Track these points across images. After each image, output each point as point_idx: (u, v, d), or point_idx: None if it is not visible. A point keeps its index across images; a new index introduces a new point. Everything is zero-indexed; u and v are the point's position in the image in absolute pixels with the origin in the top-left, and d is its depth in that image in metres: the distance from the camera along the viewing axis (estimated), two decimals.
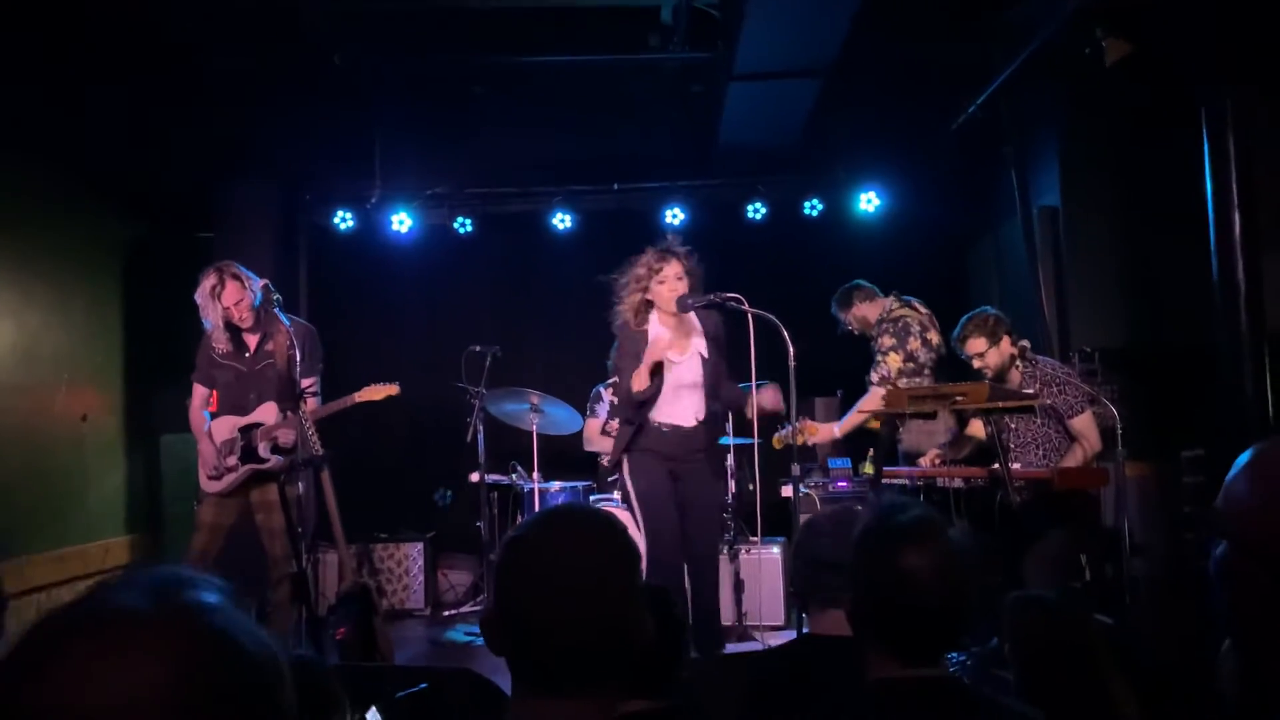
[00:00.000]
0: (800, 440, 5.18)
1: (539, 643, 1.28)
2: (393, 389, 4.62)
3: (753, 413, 4.29)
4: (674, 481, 4.36)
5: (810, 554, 2.30)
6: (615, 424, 5.25)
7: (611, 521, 1.39)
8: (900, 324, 5.28)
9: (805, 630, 2.46)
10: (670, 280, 4.27)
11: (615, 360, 4.44)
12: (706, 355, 4.37)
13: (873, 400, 5.09)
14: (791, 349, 4.00)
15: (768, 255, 7.30)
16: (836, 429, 5.31)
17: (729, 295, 4.20)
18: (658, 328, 4.35)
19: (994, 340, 4.52)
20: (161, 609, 0.79)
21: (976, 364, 4.56)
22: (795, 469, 4.02)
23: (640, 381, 4.20)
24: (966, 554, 1.62)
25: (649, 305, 4.35)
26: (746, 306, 4.16)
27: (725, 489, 4.42)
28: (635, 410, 4.32)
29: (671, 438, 4.33)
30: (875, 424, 5.32)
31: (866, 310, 5.45)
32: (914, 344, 5.22)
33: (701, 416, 4.37)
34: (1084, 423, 4.45)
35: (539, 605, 1.28)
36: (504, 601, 1.31)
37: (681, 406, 4.35)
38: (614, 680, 1.32)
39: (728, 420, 5.20)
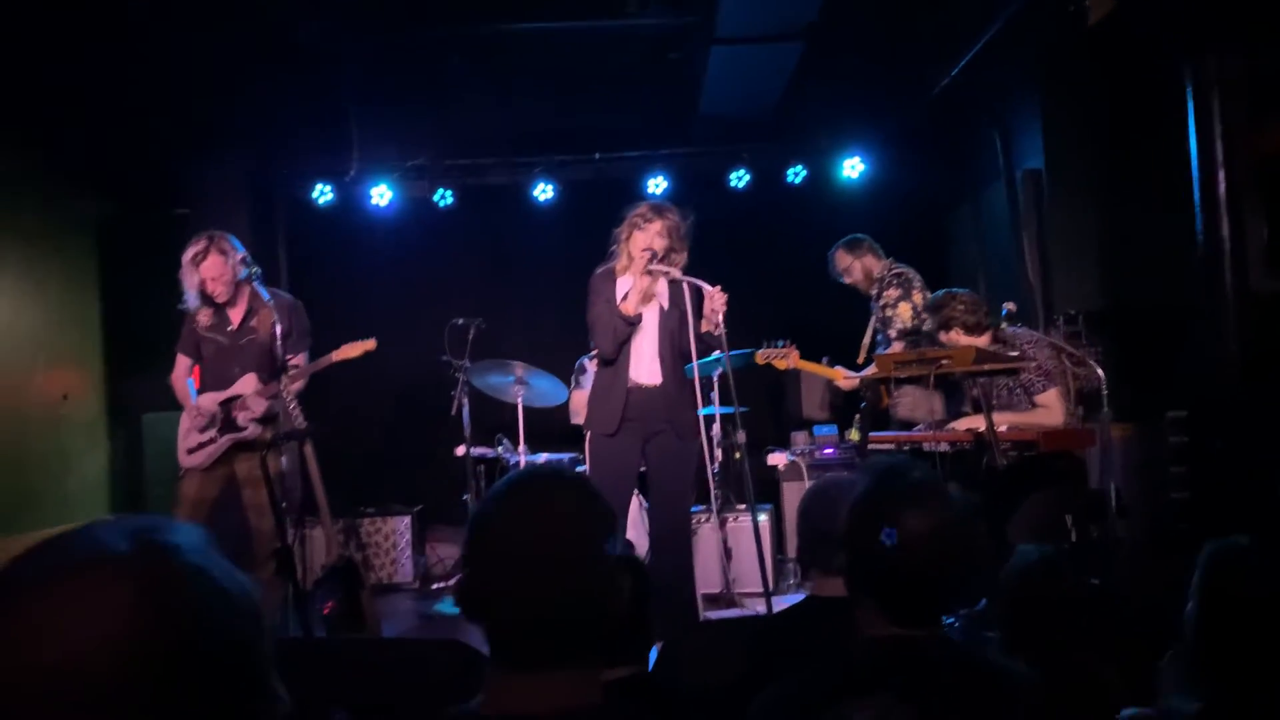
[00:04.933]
0: (783, 366, 5.23)
1: (512, 614, 1.24)
2: (369, 344, 4.63)
3: (708, 324, 4.22)
4: (641, 453, 4.36)
5: (816, 520, 2.29)
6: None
7: (582, 485, 1.35)
8: (903, 277, 5.31)
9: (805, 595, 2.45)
10: (649, 233, 4.29)
11: (589, 310, 4.40)
12: (666, 306, 4.37)
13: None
14: (716, 298, 4.06)
15: (751, 223, 7.28)
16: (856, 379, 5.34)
17: (660, 266, 4.27)
18: (627, 281, 4.37)
19: (976, 334, 4.48)
20: (139, 550, 0.78)
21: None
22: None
23: (632, 304, 4.24)
24: (967, 517, 1.61)
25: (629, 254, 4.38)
26: (679, 275, 4.25)
27: (695, 460, 4.37)
28: (614, 350, 4.31)
29: (637, 397, 4.32)
30: (842, 380, 5.33)
31: (872, 264, 5.44)
32: (917, 297, 5.22)
33: (662, 377, 4.34)
34: (1049, 399, 4.43)
35: (509, 575, 1.24)
36: (474, 572, 1.28)
37: (644, 361, 4.35)
38: (591, 651, 1.29)
39: (703, 387, 5.17)
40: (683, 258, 4.36)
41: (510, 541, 1.26)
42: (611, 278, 4.42)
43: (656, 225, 4.31)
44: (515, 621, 1.24)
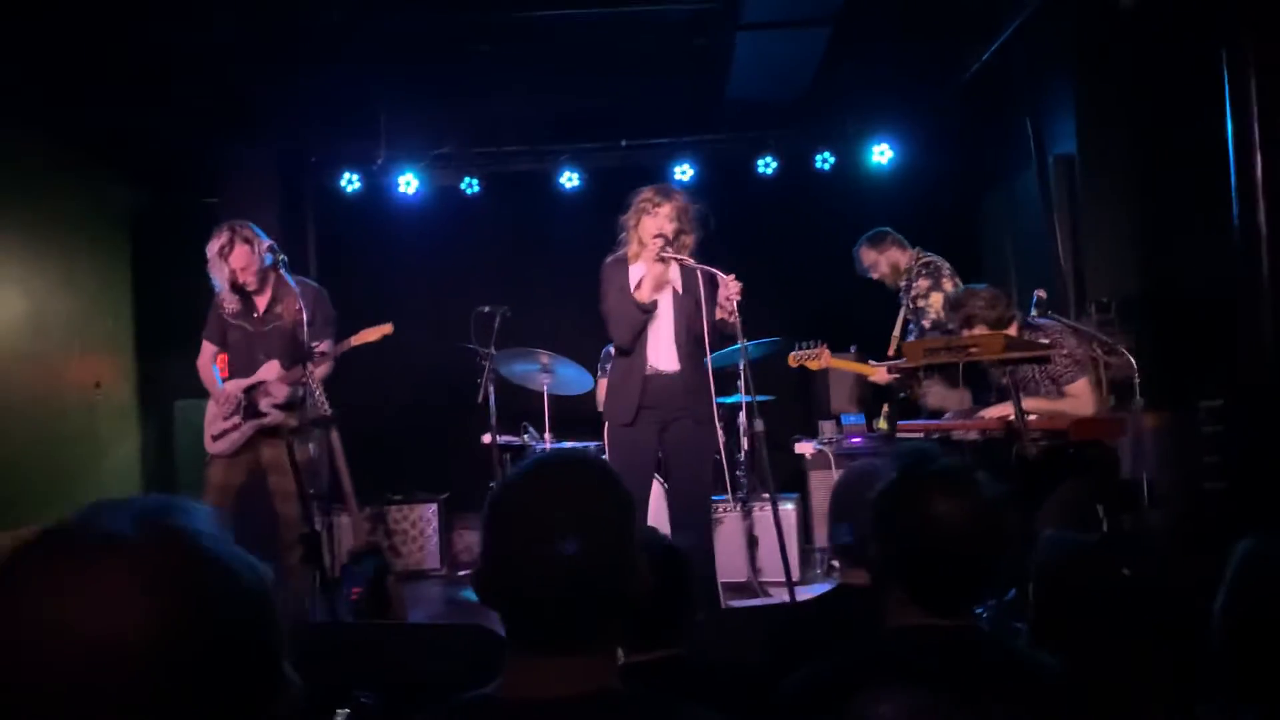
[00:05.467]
0: (815, 367, 5.20)
1: (530, 597, 1.23)
2: (386, 328, 4.65)
3: (722, 311, 4.19)
4: (659, 440, 4.35)
5: (848, 510, 2.26)
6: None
7: (602, 468, 1.34)
8: (931, 266, 5.25)
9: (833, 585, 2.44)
10: (659, 217, 4.25)
11: (603, 300, 4.37)
12: (680, 292, 4.35)
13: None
14: (730, 285, 4.04)
15: (779, 210, 7.24)
16: (885, 370, 5.30)
17: (672, 254, 4.23)
18: (640, 269, 4.33)
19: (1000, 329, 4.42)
20: (145, 534, 0.77)
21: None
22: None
23: (646, 292, 4.21)
24: (997, 503, 1.58)
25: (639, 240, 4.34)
26: (691, 263, 4.22)
27: (713, 445, 4.35)
28: (631, 339, 4.28)
29: (654, 385, 4.30)
30: (875, 374, 5.28)
31: (898, 256, 5.38)
32: (947, 285, 5.17)
33: (679, 364, 4.31)
34: (1079, 388, 4.37)
35: (528, 557, 1.23)
36: (492, 554, 1.27)
37: (661, 348, 4.32)
38: (609, 635, 1.28)
39: (729, 375, 5.16)
40: (693, 239, 4.32)
41: (528, 526, 1.25)
42: (623, 265, 4.38)
43: (666, 209, 4.26)
44: (532, 606, 1.23)
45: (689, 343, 4.33)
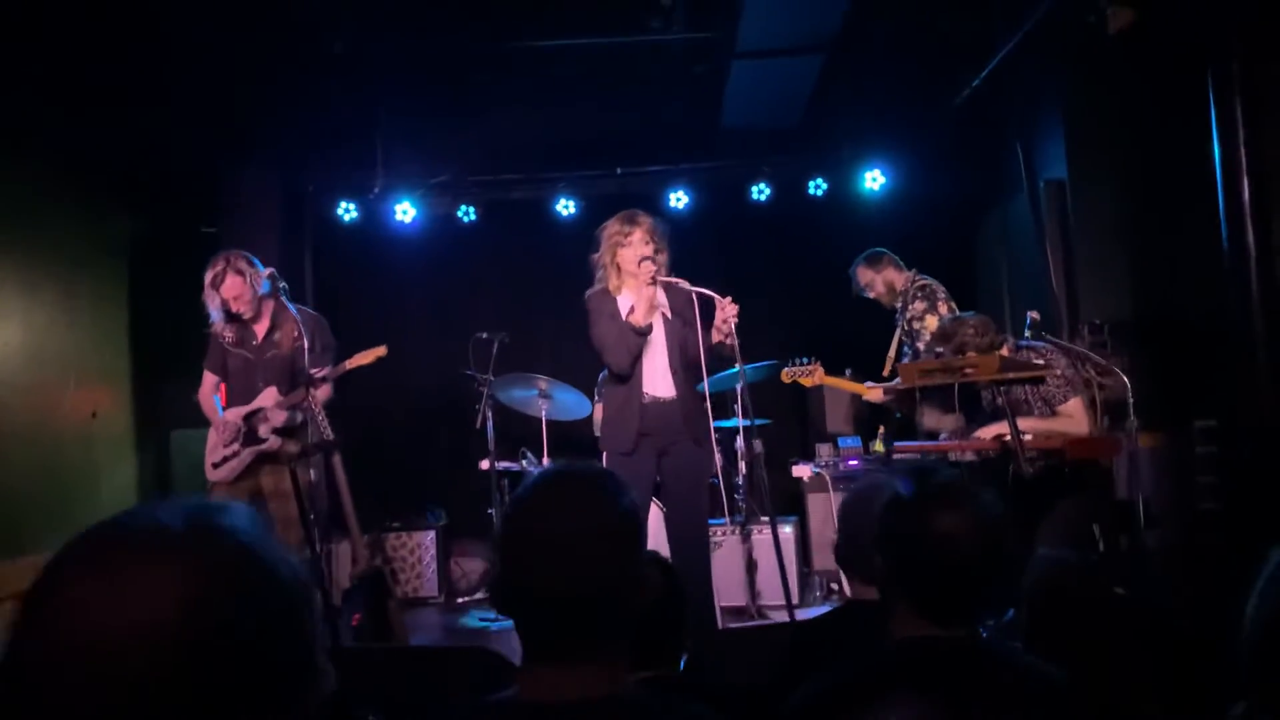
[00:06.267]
0: (809, 383, 5.23)
1: (543, 607, 1.26)
2: (380, 351, 4.64)
3: (719, 334, 4.20)
4: (656, 466, 4.36)
5: (856, 526, 2.28)
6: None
7: (612, 479, 1.37)
8: (927, 289, 5.29)
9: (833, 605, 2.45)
10: (635, 244, 4.28)
11: (593, 329, 4.39)
12: (670, 316, 4.38)
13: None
14: (727, 308, 4.07)
15: (773, 236, 7.30)
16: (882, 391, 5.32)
17: (670, 278, 4.27)
18: (627, 297, 4.35)
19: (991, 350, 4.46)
20: (193, 528, 0.80)
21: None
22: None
23: (641, 315, 4.21)
24: (999, 515, 1.61)
25: (619, 271, 4.36)
26: (686, 285, 4.24)
27: (710, 467, 4.37)
28: (629, 365, 4.29)
29: (653, 412, 4.31)
30: (869, 394, 5.30)
31: (894, 277, 5.42)
32: (943, 308, 5.20)
33: (676, 390, 4.34)
34: (1072, 408, 4.40)
35: (541, 567, 1.26)
36: (507, 564, 1.30)
37: (658, 374, 4.34)
38: (619, 645, 1.30)
39: (726, 400, 5.18)
40: (666, 257, 4.34)
41: (542, 535, 1.28)
42: (609, 295, 4.40)
43: (637, 234, 4.29)
44: (546, 614, 1.26)
45: (683, 367, 4.35)
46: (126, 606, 0.74)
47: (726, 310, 4.07)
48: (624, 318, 4.29)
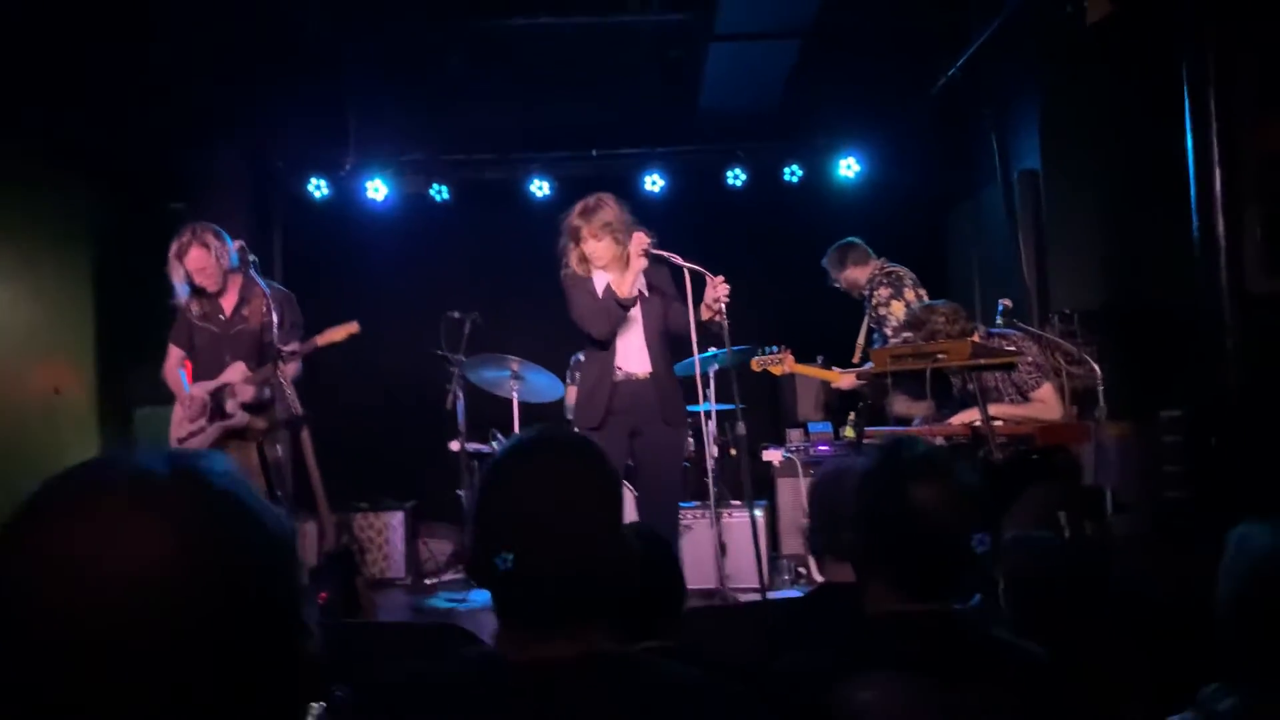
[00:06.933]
0: (778, 371, 5.23)
1: (524, 577, 1.24)
2: (352, 327, 4.56)
3: (709, 312, 4.20)
4: (629, 448, 4.34)
5: (830, 505, 2.27)
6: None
7: (590, 446, 1.35)
8: (893, 276, 5.29)
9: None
10: (590, 242, 4.25)
11: (571, 305, 4.35)
12: (647, 294, 4.34)
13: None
14: (720, 287, 4.06)
15: (748, 222, 7.29)
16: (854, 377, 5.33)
17: (663, 251, 4.23)
18: (602, 276, 4.32)
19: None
20: (178, 474, 0.78)
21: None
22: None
23: (626, 287, 4.16)
24: (975, 487, 1.61)
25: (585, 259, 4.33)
26: (680, 260, 4.21)
27: (684, 447, 4.36)
28: (610, 332, 4.26)
29: (625, 390, 4.29)
30: (839, 380, 5.32)
31: (856, 273, 5.42)
32: (909, 294, 5.21)
33: (651, 366, 4.32)
34: (1045, 394, 4.44)
35: (519, 532, 1.24)
36: (483, 529, 1.27)
37: (632, 350, 4.32)
38: (598, 616, 1.28)
39: (706, 383, 5.17)
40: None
41: (520, 502, 1.25)
42: (586, 274, 4.36)
43: (600, 219, 4.23)
44: (527, 585, 1.23)
45: (660, 344, 4.34)
46: (116, 556, 0.71)
47: (719, 289, 4.07)
48: (600, 295, 4.26)
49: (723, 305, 4.07)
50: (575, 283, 4.36)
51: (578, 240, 4.28)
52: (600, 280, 4.32)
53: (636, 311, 4.32)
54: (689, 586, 4.66)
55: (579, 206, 4.33)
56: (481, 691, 1.22)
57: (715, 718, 1.20)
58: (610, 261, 4.30)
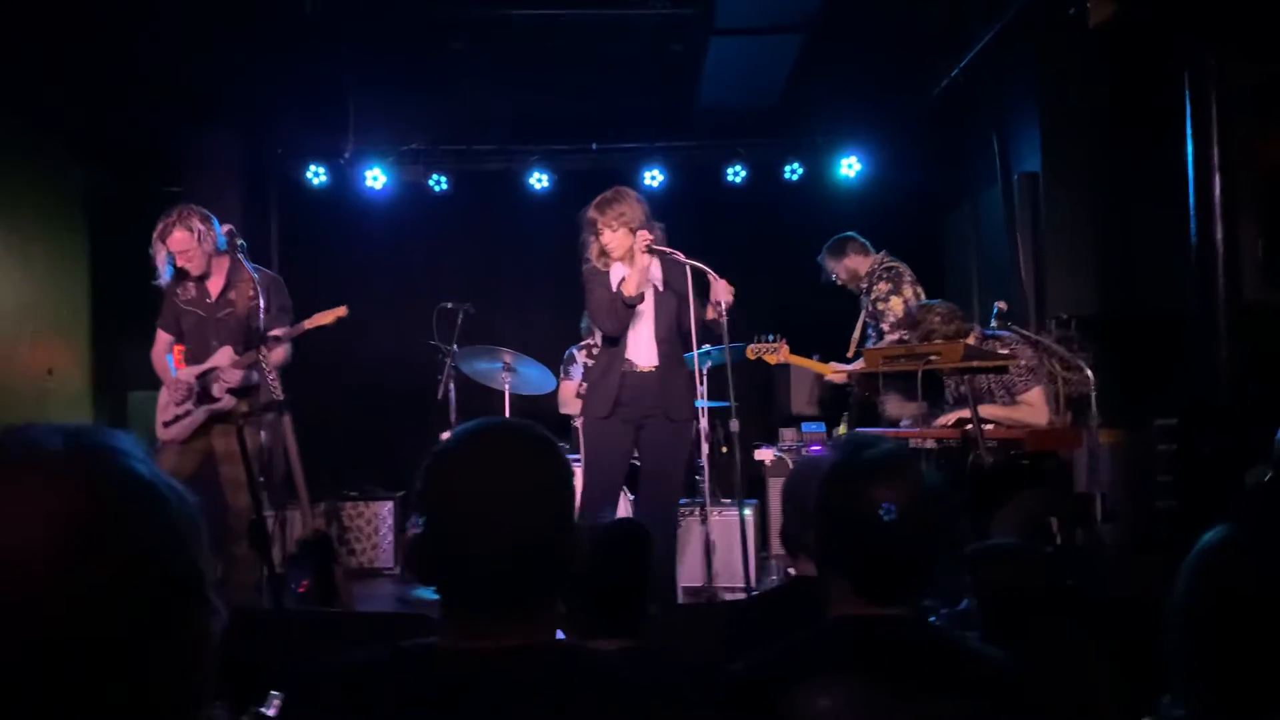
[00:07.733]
0: (773, 360, 5.23)
1: (467, 561, 1.21)
2: (340, 311, 4.55)
3: (713, 311, 4.23)
4: (635, 440, 4.37)
5: (800, 501, 2.25)
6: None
7: (542, 435, 1.32)
8: (893, 271, 5.26)
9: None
10: (606, 233, 4.27)
11: (590, 298, 4.39)
12: (661, 289, 4.37)
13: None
14: (723, 289, 4.12)
15: (746, 219, 7.26)
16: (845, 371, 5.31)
17: (665, 248, 4.26)
18: (619, 268, 4.35)
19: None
20: (72, 449, 0.78)
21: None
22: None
23: (632, 286, 4.19)
24: (937, 491, 1.57)
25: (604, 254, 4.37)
26: (682, 258, 4.23)
27: (689, 444, 4.38)
28: (618, 329, 4.30)
29: (632, 381, 4.32)
30: (831, 374, 5.30)
31: (858, 263, 5.40)
32: (908, 291, 5.18)
33: (659, 360, 4.34)
34: (1033, 397, 4.41)
35: (466, 519, 1.22)
36: (429, 516, 1.25)
37: (642, 344, 4.35)
38: (547, 602, 1.27)
39: (699, 380, 5.15)
40: (659, 229, 4.34)
41: (467, 494, 1.23)
42: (606, 269, 4.40)
43: (611, 215, 4.25)
44: (475, 573, 1.21)
45: (669, 339, 4.36)
46: (6, 531, 0.71)
47: (726, 296, 4.15)
48: (614, 288, 4.29)
49: (725, 307, 4.15)
50: (594, 277, 4.40)
51: (596, 233, 4.31)
52: (617, 273, 4.35)
53: (648, 306, 4.35)
54: (678, 584, 4.69)
55: (597, 199, 4.37)
56: (411, 680, 1.20)
57: (649, 713, 1.18)
58: (626, 254, 4.33)
